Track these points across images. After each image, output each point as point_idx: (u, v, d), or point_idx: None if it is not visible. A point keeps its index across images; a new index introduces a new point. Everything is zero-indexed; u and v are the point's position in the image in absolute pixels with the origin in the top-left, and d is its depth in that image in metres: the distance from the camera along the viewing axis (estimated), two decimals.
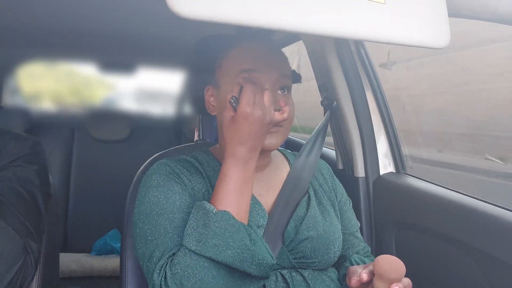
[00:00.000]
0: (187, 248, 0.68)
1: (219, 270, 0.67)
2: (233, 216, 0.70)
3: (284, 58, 0.85)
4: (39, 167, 0.96)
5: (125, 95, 2.23)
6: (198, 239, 0.68)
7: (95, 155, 2.17)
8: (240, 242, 0.68)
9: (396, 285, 0.67)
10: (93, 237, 2.05)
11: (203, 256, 0.67)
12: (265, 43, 0.84)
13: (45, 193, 0.96)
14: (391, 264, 0.68)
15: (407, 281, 0.70)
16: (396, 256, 0.70)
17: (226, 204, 0.71)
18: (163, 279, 0.68)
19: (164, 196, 0.77)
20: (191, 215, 0.71)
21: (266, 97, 0.72)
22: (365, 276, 0.70)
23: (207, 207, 0.71)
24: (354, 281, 0.73)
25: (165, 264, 0.70)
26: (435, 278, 1.04)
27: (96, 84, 2.18)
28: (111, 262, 1.93)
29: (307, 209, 0.86)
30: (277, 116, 0.74)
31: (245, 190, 0.73)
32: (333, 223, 0.88)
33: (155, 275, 0.69)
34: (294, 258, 0.82)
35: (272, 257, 0.71)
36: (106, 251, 2.02)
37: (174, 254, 0.71)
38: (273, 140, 0.80)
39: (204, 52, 0.89)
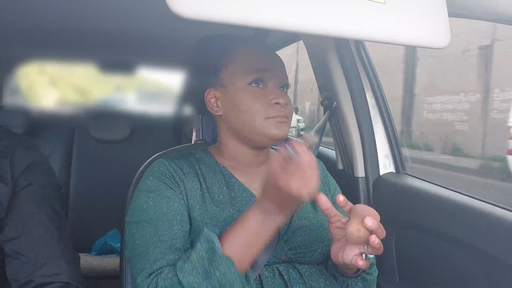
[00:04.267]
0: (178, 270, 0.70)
1: None
2: (234, 266, 0.70)
3: (281, 60, 0.89)
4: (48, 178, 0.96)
5: (125, 95, 2.23)
6: (199, 272, 0.69)
7: (95, 155, 2.16)
8: None
9: (369, 219, 0.67)
10: (93, 237, 2.05)
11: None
12: (266, 46, 0.88)
13: (60, 199, 0.98)
14: (364, 208, 0.71)
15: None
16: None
17: (232, 250, 0.71)
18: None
19: (153, 203, 0.79)
20: (197, 245, 0.72)
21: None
22: (341, 197, 0.72)
23: (216, 245, 0.71)
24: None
25: (153, 275, 0.72)
26: (435, 278, 1.04)
27: (96, 84, 2.17)
28: (111, 262, 1.93)
29: None
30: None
31: (257, 241, 0.73)
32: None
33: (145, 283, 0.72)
34: (289, 249, 0.83)
35: None
36: (106, 251, 2.02)
37: (161, 267, 0.72)
38: (286, 129, 0.83)
39: (205, 52, 0.89)
